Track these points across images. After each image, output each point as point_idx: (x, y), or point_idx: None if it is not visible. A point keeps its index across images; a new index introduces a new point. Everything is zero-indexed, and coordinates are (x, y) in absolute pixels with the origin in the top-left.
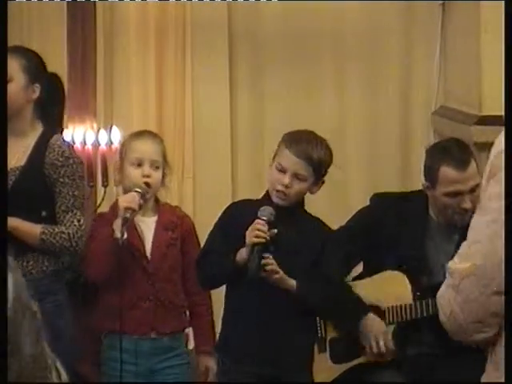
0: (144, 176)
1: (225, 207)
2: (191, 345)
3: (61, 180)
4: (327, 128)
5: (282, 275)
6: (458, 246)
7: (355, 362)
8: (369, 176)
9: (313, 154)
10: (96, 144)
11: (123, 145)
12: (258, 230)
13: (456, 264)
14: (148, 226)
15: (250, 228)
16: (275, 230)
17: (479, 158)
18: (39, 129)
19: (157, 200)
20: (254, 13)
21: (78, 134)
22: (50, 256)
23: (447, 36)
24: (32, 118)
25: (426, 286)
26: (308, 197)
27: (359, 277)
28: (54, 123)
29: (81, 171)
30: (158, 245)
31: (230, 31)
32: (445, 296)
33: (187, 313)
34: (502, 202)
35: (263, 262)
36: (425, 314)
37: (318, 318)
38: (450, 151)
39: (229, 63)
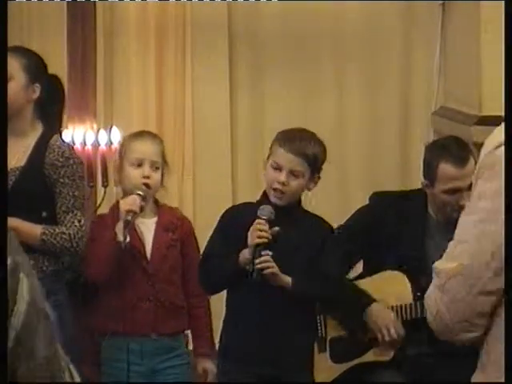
0: (144, 177)
1: (224, 210)
2: (191, 345)
3: (61, 180)
4: (327, 128)
5: (276, 271)
6: None
7: (355, 361)
8: (369, 176)
9: (307, 150)
10: (96, 144)
11: (122, 145)
12: (259, 230)
13: (442, 264)
14: (148, 227)
15: (251, 228)
16: (276, 228)
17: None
18: (39, 129)
19: (156, 201)
20: (254, 13)
21: (78, 134)
22: (49, 256)
23: (447, 36)
24: (32, 118)
25: (426, 285)
26: (307, 196)
27: (359, 277)
28: (54, 123)
29: (81, 171)
30: (158, 246)
31: (230, 31)
32: (431, 296)
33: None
34: (490, 202)
35: (260, 259)
36: (425, 314)
37: (318, 318)
38: (449, 148)
39: (229, 63)
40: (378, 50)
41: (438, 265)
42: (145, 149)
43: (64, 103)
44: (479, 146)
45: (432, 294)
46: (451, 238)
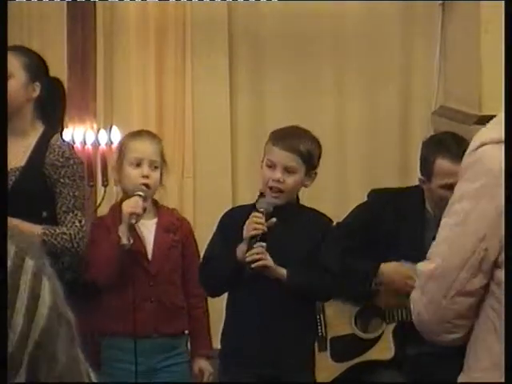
0: (143, 176)
1: (224, 210)
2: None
3: (61, 180)
4: (327, 127)
5: (268, 263)
6: None
7: (356, 360)
8: (369, 175)
9: (300, 146)
10: (96, 144)
11: (121, 144)
12: (255, 223)
13: (423, 265)
14: (148, 228)
15: (247, 221)
16: (274, 219)
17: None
18: (39, 129)
19: (155, 202)
20: (253, 13)
21: (78, 134)
22: (50, 256)
23: (447, 36)
24: (32, 118)
25: None
26: (308, 196)
27: None
28: (54, 123)
29: (81, 171)
30: (160, 246)
31: (229, 31)
32: (414, 297)
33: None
34: (467, 203)
35: (251, 251)
36: None
37: (318, 317)
38: (446, 144)
39: (229, 63)
40: (378, 49)
41: (419, 266)
42: (143, 148)
43: (65, 103)
44: None
45: (414, 294)
46: None
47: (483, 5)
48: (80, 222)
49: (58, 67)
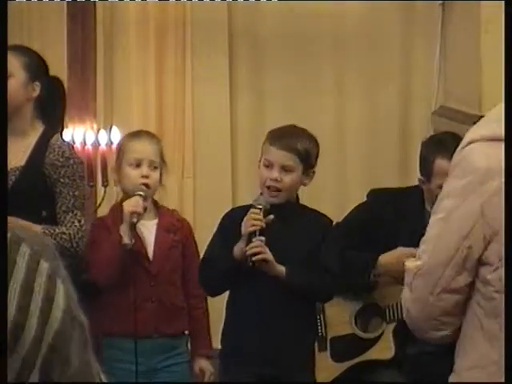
0: (142, 177)
1: (224, 210)
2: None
3: (61, 180)
4: (327, 127)
5: (268, 257)
6: None
7: (356, 360)
8: (368, 175)
9: (296, 145)
10: (96, 144)
11: (120, 145)
12: (253, 219)
13: (411, 262)
14: (148, 228)
15: (245, 218)
16: (271, 216)
17: None
18: (39, 128)
19: (155, 203)
20: (254, 12)
21: (78, 134)
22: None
23: (447, 36)
24: (32, 117)
25: None
26: (307, 196)
27: None
28: (54, 123)
29: (81, 171)
30: (160, 246)
31: (230, 31)
32: (404, 294)
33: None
34: (452, 201)
35: (251, 245)
36: None
37: (318, 317)
38: (446, 144)
39: (229, 63)
40: (378, 49)
41: (407, 263)
42: (143, 149)
43: (65, 103)
44: None
45: (404, 292)
46: None
47: (483, 5)
48: (79, 221)
49: (58, 67)
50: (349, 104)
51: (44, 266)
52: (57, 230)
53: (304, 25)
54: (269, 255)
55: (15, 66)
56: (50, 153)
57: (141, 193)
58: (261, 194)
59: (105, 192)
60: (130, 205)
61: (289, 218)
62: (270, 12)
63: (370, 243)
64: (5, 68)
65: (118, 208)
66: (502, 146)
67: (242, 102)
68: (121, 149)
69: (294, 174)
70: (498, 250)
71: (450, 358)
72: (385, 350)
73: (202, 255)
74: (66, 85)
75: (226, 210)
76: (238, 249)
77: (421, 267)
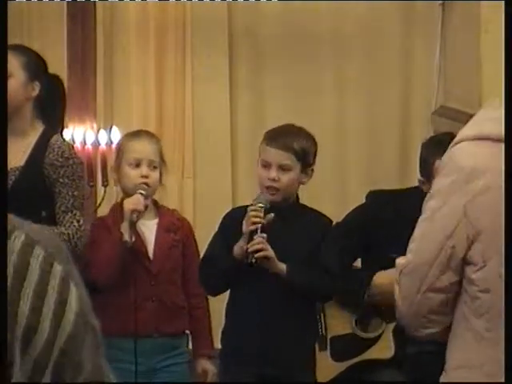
0: (142, 176)
1: (224, 210)
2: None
3: (60, 180)
4: (327, 128)
5: (269, 254)
6: None
7: (356, 359)
8: (368, 175)
9: (293, 144)
10: (96, 144)
11: (120, 145)
12: (253, 217)
13: (400, 259)
14: (149, 228)
15: (245, 217)
16: (272, 215)
17: None
18: (39, 128)
19: (155, 203)
20: (254, 12)
21: (78, 134)
22: None
23: (447, 36)
24: (32, 117)
25: None
26: (307, 196)
27: None
28: (54, 123)
29: (80, 171)
30: (161, 246)
31: (230, 31)
32: (394, 291)
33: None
34: (438, 200)
35: (253, 242)
36: None
37: (318, 317)
38: (446, 145)
39: (229, 63)
40: (378, 49)
41: (398, 260)
42: (142, 148)
43: (65, 103)
44: None
45: (394, 289)
46: None
47: (483, 5)
48: (78, 221)
49: (58, 67)
50: (349, 104)
51: (58, 268)
52: (56, 230)
53: (304, 25)
54: (270, 252)
55: (14, 65)
56: (49, 153)
57: (142, 191)
58: (261, 192)
59: (105, 192)
60: (130, 202)
61: (289, 217)
62: (270, 12)
63: (371, 244)
64: (5, 68)
65: (118, 208)
66: (491, 144)
67: (241, 101)
68: (120, 148)
69: (292, 173)
70: (481, 249)
71: None
72: (385, 349)
73: (202, 254)
74: (66, 85)
75: (226, 210)
76: (239, 247)
77: (407, 265)
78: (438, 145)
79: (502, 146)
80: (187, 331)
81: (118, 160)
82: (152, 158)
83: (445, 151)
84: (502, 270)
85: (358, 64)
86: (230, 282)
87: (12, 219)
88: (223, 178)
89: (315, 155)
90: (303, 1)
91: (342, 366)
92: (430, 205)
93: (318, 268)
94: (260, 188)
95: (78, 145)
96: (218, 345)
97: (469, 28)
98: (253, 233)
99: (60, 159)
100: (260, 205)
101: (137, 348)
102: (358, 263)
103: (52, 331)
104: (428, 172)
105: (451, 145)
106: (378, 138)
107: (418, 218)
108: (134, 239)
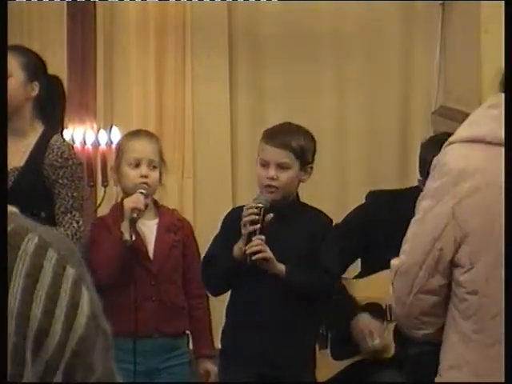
0: (142, 176)
1: (224, 210)
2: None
3: (60, 181)
4: (327, 127)
5: (268, 255)
6: None
7: (356, 358)
8: (368, 175)
9: (291, 142)
10: (96, 144)
11: (119, 145)
12: (251, 214)
13: (394, 260)
14: (149, 228)
15: (244, 218)
16: (271, 215)
17: None
18: (39, 129)
19: (155, 203)
20: (254, 13)
21: (78, 134)
22: None
23: (447, 36)
24: (32, 118)
25: None
26: (307, 195)
27: (358, 276)
28: (54, 123)
29: (80, 172)
30: (161, 246)
31: (230, 31)
32: (389, 292)
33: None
34: (428, 201)
35: (251, 244)
36: None
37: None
38: None
39: (229, 63)
40: (378, 49)
41: (393, 260)
42: (142, 148)
43: (65, 103)
44: None
45: (389, 290)
46: None
47: (483, 5)
48: (78, 222)
49: (58, 67)
50: (349, 104)
51: (70, 271)
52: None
53: (304, 25)
54: (269, 253)
55: (14, 65)
56: (49, 153)
57: (142, 190)
58: (261, 192)
59: (105, 192)
60: (131, 201)
61: (288, 215)
62: (270, 12)
63: (371, 245)
64: (5, 68)
65: (118, 208)
66: (484, 147)
67: (241, 101)
68: (120, 148)
69: (291, 171)
70: (468, 251)
71: None
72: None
73: (202, 255)
74: (65, 85)
75: (226, 210)
76: (238, 248)
77: (399, 266)
78: (437, 145)
79: (496, 148)
80: (187, 331)
81: (118, 160)
82: (152, 157)
83: None
84: (502, 270)
85: (358, 64)
86: (231, 282)
87: (24, 221)
88: (223, 178)
89: (314, 153)
90: (303, 1)
91: (342, 365)
92: (422, 205)
93: (318, 268)
94: (259, 187)
95: (77, 145)
96: (218, 345)
97: (469, 28)
98: (251, 234)
99: (59, 160)
100: (260, 205)
101: (137, 348)
102: (358, 263)
103: (64, 334)
104: (427, 172)
105: (445, 145)
106: (378, 138)
107: None
108: (134, 238)
